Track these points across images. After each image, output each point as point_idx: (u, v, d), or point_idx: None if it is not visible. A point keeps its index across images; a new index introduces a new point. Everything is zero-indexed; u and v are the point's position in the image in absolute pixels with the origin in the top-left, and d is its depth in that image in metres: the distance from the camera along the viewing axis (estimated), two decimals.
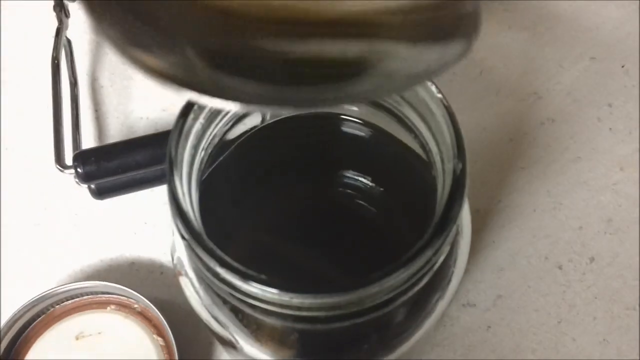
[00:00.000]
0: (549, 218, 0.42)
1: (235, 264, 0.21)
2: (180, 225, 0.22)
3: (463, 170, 0.22)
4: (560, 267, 0.41)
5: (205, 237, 0.22)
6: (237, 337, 0.27)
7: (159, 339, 0.38)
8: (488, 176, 0.44)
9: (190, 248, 0.22)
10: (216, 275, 0.22)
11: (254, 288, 0.21)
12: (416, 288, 0.23)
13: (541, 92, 0.47)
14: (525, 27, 0.50)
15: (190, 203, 0.24)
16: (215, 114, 0.26)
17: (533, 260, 0.41)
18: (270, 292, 0.21)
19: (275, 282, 0.21)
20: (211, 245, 0.22)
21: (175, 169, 0.23)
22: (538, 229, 0.42)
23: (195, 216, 0.24)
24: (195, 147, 0.25)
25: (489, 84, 0.47)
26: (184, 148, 0.24)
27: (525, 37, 0.49)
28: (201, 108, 0.25)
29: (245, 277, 0.21)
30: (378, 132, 0.31)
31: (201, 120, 0.25)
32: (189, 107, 0.24)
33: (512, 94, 0.47)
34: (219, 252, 0.22)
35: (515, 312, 0.40)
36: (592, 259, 0.41)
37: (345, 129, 0.32)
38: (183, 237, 0.23)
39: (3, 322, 0.37)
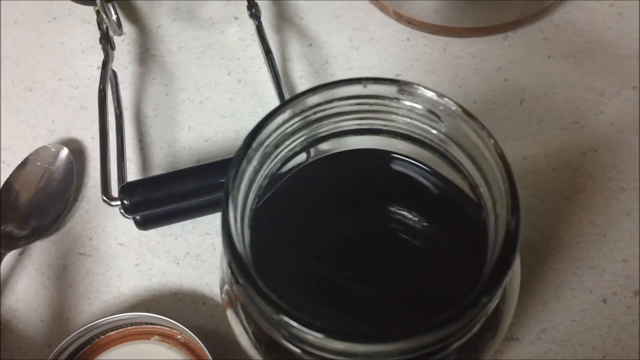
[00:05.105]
0: (593, 250, 0.42)
1: (293, 311, 0.21)
2: (236, 271, 0.22)
3: (517, 225, 0.22)
4: (604, 301, 0.40)
5: (260, 282, 0.22)
6: None
7: None
8: (531, 206, 0.43)
9: (245, 293, 0.23)
10: (270, 320, 0.22)
11: (310, 335, 0.21)
12: (469, 334, 0.23)
13: (583, 122, 0.46)
14: (566, 55, 0.49)
15: (243, 245, 0.24)
16: (267, 156, 0.26)
17: (577, 293, 0.41)
18: (324, 339, 0.21)
19: (331, 329, 0.21)
20: (268, 291, 0.22)
21: (229, 214, 0.23)
22: (582, 260, 0.42)
23: (248, 257, 0.24)
24: (248, 188, 0.25)
25: (530, 113, 0.47)
26: (238, 190, 0.24)
27: (566, 66, 0.49)
28: (255, 150, 0.25)
29: (302, 324, 0.21)
30: (424, 170, 0.31)
31: (254, 163, 0.25)
32: (245, 150, 0.24)
33: (553, 123, 0.46)
34: (275, 298, 0.22)
35: (560, 346, 0.39)
36: (636, 293, 0.41)
37: (390, 165, 0.32)
38: (238, 282, 0.23)
39: (50, 354, 0.38)
